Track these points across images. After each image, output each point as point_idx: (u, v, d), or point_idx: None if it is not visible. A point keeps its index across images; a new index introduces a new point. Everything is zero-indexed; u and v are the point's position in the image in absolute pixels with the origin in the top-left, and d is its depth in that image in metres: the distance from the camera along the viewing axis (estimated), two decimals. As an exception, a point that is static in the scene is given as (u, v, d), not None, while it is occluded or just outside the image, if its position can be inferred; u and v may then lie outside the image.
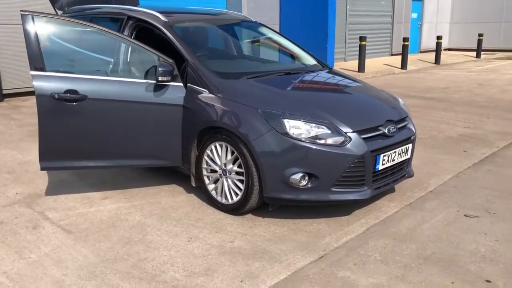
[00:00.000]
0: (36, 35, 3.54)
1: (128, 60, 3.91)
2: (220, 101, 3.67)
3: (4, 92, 8.43)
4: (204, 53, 4.38)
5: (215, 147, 3.68)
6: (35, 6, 8.13)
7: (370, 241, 3.28)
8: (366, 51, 13.57)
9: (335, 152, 3.34)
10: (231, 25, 5.00)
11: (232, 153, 3.57)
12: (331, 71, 4.64)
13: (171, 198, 4.03)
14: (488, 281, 2.79)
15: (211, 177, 3.79)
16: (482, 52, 18.85)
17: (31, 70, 3.52)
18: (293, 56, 4.90)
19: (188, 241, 3.28)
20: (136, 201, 3.95)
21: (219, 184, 3.73)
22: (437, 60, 16.37)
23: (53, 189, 4.19)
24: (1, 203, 3.89)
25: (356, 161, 3.37)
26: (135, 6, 5.37)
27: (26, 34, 3.52)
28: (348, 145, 3.37)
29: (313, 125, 3.40)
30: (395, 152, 3.65)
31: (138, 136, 3.82)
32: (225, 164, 3.64)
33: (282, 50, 4.94)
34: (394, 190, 4.18)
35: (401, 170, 3.86)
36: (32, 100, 8.33)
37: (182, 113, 3.85)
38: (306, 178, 3.37)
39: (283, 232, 3.43)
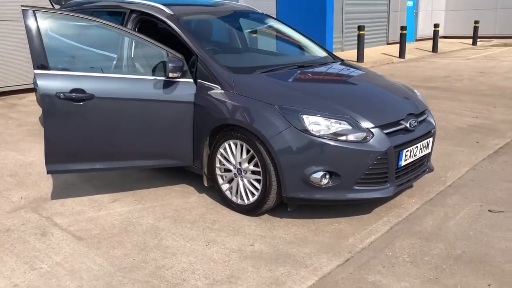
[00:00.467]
0: (39, 31, 3.35)
1: (136, 56, 3.73)
2: (234, 98, 3.51)
3: (-1, 90, 8.20)
4: (213, 47, 4.21)
5: (229, 145, 3.52)
6: (30, 0, 7.87)
7: (396, 241, 3.15)
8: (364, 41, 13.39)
9: (357, 149, 3.20)
10: (238, 17, 4.81)
11: (248, 151, 3.41)
12: (343, 63, 4.48)
13: (183, 199, 3.87)
14: (525, 281, 2.67)
15: (225, 177, 3.63)
16: (478, 39, 18.74)
17: (35, 68, 3.32)
18: (303, 48, 4.73)
19: (206, 245, 3.13)
20: (147, 203, 3.79)
21: (233, 184, 3.58)
22: (434, 48, 16.24)
23: (58, 192, 4.02)
24: (6, 208, 3.71)
25: (379, 157, 3.23)
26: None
27: (27, 30, 3.32)
28: (371, 141, 3.23)
29: (333, 120, 3.25)
30: (416, 147, 3.52)
31: (147, 135, 3.65)
32: (240, 163, 3.48)
33: (292, 42, 4.76)
34: (412, 185, 4.05)
35: (421, 165, 3.73)
36: (29, 97, 8.12)
37: (193, 110, 3.68)
38: (327, 176, 3.23)
39: (304, 233, 3.29)
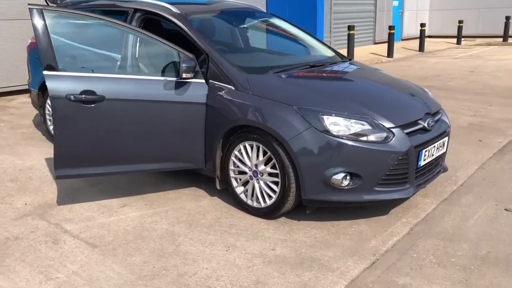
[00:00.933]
0: (46, 30, 3.22)
1: (147, 56, 3.62)
2: (248, 98, 3.42)
3: (-13, 92, 7.94)
4: (223, 46, 4.11)
5: (244, 147, 3.43)
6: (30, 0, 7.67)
7: (419, 243, 3.11)
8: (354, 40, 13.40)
9: (378, 149, 3.14)
10: (244, 17, 4.72)
11: (265, 153, 3.33)
12: (353, 62, 4.43)
13: (195, 202, 3.77)
14: (555, 281, 2.65)
15: (240, 179, 3.54)
16: (462, 39, 18.97)
17: (44, 70, 3.19)
18: (311, 48, 4.67)
19: (226, 250, 3.04)
20: (158, 207, 3.68)
21: (249, 187, 3.50)
22: (421, 48, 16.38)
23: (64, 198, 3.87)
24: (11, 216, 3.56)
25: (400, 158, 3.18)
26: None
27: (35, 30, 3.19)
28: (392, 142, 3.18)
29: (353, 121, 3.19)
30: (434, 146, 3.48)
31: (159, 138, 3.54)
32: (256, 165, 3.40)
33: (299, 42, 4.69)
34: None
35: (437, 165, 3.70)
36: (19, 99, 7.89)
37: (205, 111, 3.58)
38: (348, 178, 3.16)
39: (324, 236, 3.22)
